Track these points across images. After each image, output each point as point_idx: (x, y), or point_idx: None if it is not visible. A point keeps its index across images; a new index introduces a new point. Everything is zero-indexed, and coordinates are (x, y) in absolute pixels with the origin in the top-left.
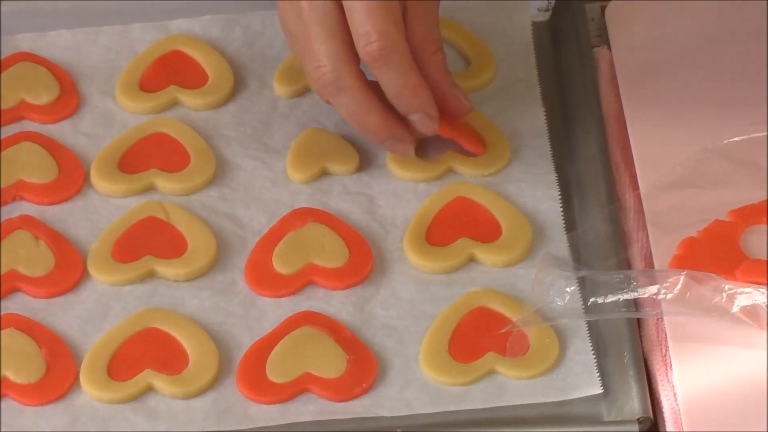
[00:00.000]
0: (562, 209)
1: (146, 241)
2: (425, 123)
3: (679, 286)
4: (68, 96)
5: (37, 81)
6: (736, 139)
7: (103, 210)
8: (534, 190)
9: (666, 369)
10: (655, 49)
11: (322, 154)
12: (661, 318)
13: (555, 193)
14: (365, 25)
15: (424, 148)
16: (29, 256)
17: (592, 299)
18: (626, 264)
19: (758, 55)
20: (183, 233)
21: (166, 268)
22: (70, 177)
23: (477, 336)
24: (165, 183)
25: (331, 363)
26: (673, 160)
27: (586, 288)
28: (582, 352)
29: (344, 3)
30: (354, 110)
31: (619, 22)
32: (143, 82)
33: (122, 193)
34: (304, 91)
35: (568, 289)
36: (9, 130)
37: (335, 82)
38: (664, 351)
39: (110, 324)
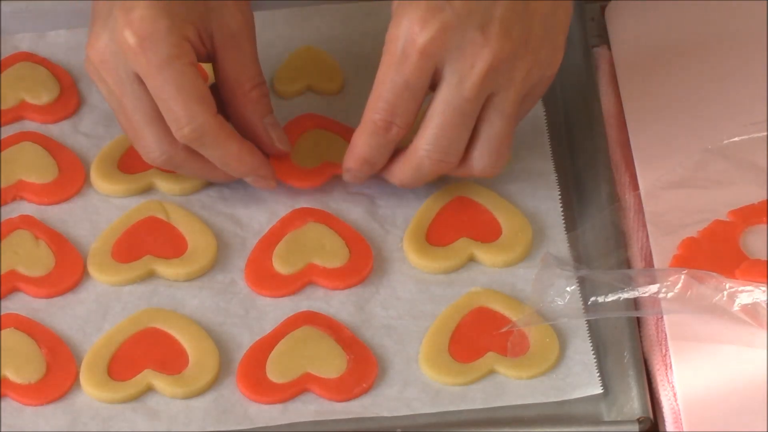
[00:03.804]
0: (562, 209)
1: (146, 241)
2: (259, 183)
3: (679, 285)
4: (68, 96)
5: (37, 81)
6: (736, 139)
7: (103, 210)
8: (534, 190)
9: (666, 369)
10: (655, 49)
11: (322, 154)
12: (661, 318)
13: (555, 193)
14: (172, 111)
15: None
16: (29, 256)
17: (592, 299)
18: (626, 264)
19: (758, 55)
20: (183, 233)
21: (166, 268)
22: (70, 177)
23: (477, 336)
24: (165, 183)
25: (331, 363)
26: (673, 160)
27: (586, 288)
28: (582, 352)
29: (148, 86)
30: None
31: (619, 22)
32: None
33: (122, 193)
34: (304, 91)
35: (568, 289)
36: (9, 130)
37: (168, 163)
38: (664, 351)
39: (110, 324)
